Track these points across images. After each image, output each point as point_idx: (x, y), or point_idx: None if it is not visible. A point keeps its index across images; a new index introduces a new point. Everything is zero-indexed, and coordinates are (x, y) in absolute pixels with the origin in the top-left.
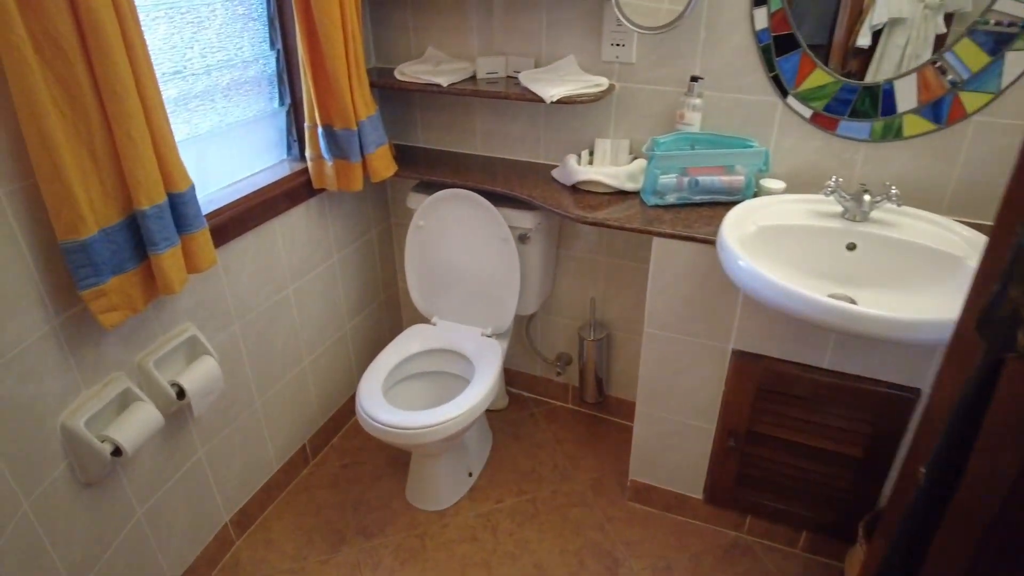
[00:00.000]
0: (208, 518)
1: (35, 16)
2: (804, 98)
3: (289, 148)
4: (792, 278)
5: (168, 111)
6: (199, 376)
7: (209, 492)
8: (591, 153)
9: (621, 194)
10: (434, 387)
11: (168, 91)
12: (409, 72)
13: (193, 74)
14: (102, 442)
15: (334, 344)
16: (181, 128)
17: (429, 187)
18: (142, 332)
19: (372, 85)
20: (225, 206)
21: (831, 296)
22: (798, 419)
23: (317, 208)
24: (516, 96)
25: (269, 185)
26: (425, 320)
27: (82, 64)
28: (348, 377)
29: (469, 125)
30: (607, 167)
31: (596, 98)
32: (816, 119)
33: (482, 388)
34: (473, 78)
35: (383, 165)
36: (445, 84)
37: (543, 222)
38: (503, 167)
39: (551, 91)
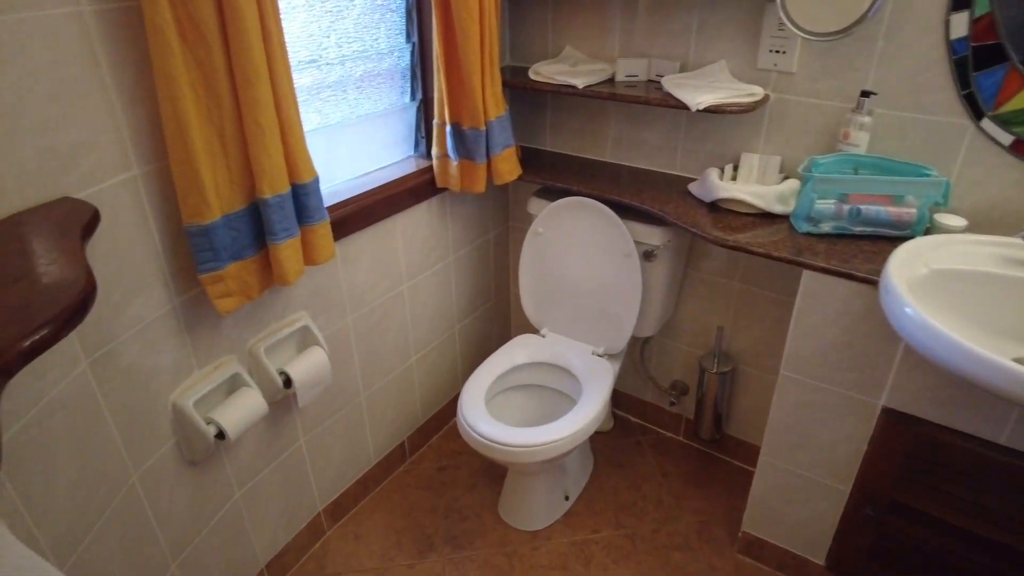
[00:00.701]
0: (303, 505)
1: (181, 1)
2: (1005, 122)
3: (416, 145)
4: (971, 335)
5: (300, 100)
6: (308, 367)
7: (306, 480)
8: (735, 168)
9: (767, 216)
10: (537, 402)
11: (302, 80)
12: (544, 72)
13: (328, 63)
14: (207, 424)
15: (442, 344)
16: (312, 117)
17: (552, 193)
18: (256, 318)
19: (504, 84)
20: (349, 199)
21: (1019, 361)
22: (956, 497)
23: (438, 207)
24: (657, 101)
25: (394, 181)
26: (534, 331)
27: (220, 50)
28: (453, 378)
29: (601, 130)
30: (753, 185)
31: (748, 108)
32: (1018, 148)
33: (589, 412)
34: (611, 81)
35: (508, 168)
36: (581, 86)
37: (672, 240)
38: (634, 177)
39: (698, 98)
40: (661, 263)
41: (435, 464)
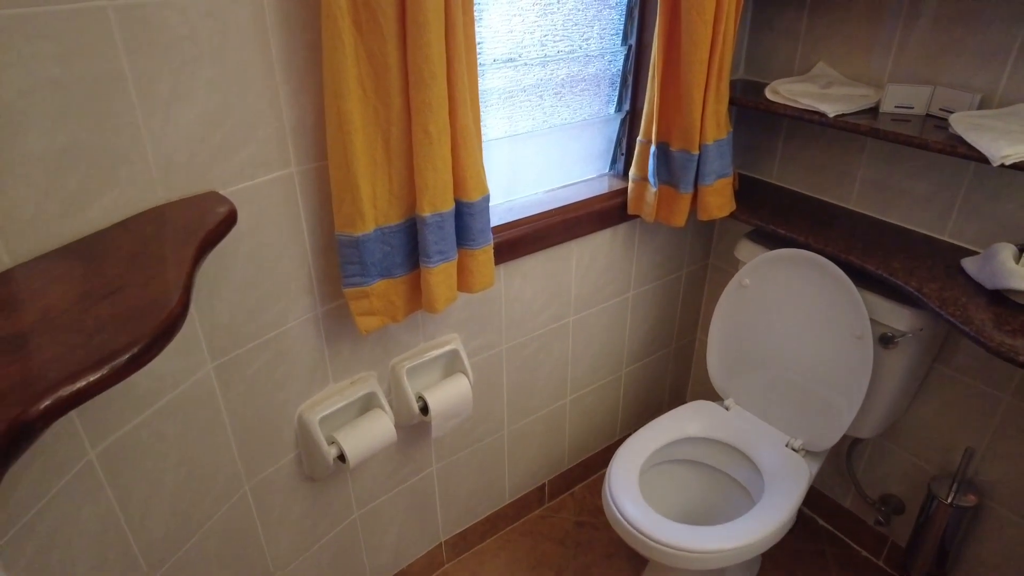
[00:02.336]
0: (425, 533)
1: None
2: None
3: (614, 161)
4: None
5: (488, 105)
6: (449, 397)
7: (432, 508)
8: None
9: None
10: (705, 485)
11: (494, 81)
12: (785, 92)
13: (527, 64)
14: (330, 444)
15: (604, 386)
16: (498, 124)
17: (769, 239)
18: (403, 335)
19: (732, 102)
20: (524, 219)
21: None
22: None
23: (626, 235)
24: (939, 146)
25: (579, 203)
26: (716, 398)
27: (396, 42)
28: (611, 425)
29: (847, 169)
30: None
31: None
32: None
33: (770, 522)
34: (873, 111)
35: (718, 202)
36: (832, 114)
37: (926, 327)
38: (883, 235)
39: (1005, 149)
40: (902, 353)
41: (574, 517)
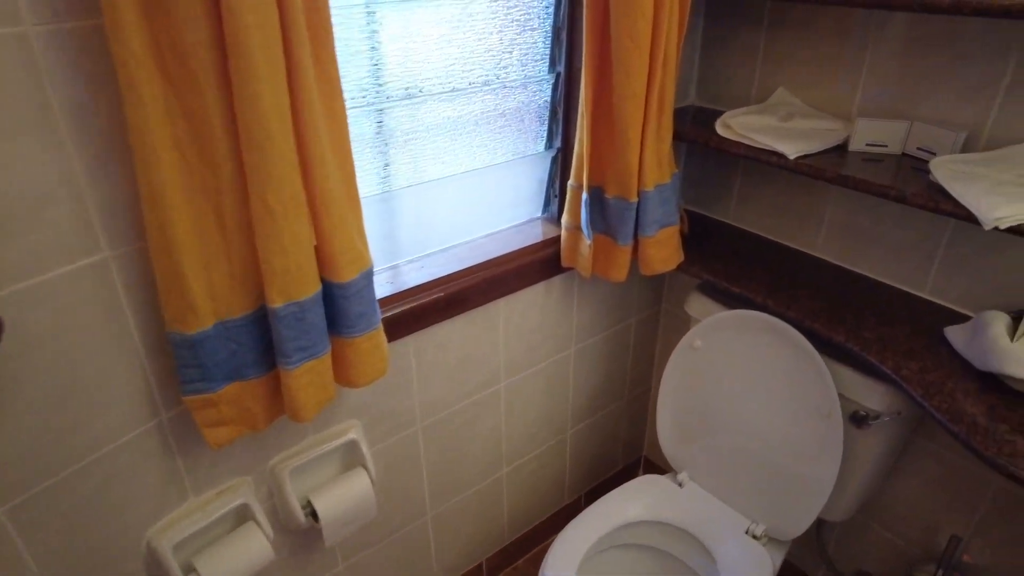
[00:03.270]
0: None
1: (162, 20)
2: None
3: (546, 204)
4: None
5: (384, 148)
6: (343, 499)
7: None
8: None
9: None
10: (654, 572)
11: (389, 120)
12: (739, 125)
13: (430, 99)
14: (188, 574)
15: (547, 451)
16: (401, 171)
17: (724, 291)
18: (286, 428)
19: (678, 136)
20: (437, 280)
21: None
22: None
23: (563, 287)
24: (918, 200)
25: (506, 256)
26: (668, 469)
27: (216, 94)
28: (556, 490)
29: (813, 210)
30: None
31: None
32: None
33: None
34: (842, 149)
35: (662, 256)
36: (792, 155)
37: (904, 410)
38: (854, 290)
39: (1000, 209)
40: (878, 433)
41: None
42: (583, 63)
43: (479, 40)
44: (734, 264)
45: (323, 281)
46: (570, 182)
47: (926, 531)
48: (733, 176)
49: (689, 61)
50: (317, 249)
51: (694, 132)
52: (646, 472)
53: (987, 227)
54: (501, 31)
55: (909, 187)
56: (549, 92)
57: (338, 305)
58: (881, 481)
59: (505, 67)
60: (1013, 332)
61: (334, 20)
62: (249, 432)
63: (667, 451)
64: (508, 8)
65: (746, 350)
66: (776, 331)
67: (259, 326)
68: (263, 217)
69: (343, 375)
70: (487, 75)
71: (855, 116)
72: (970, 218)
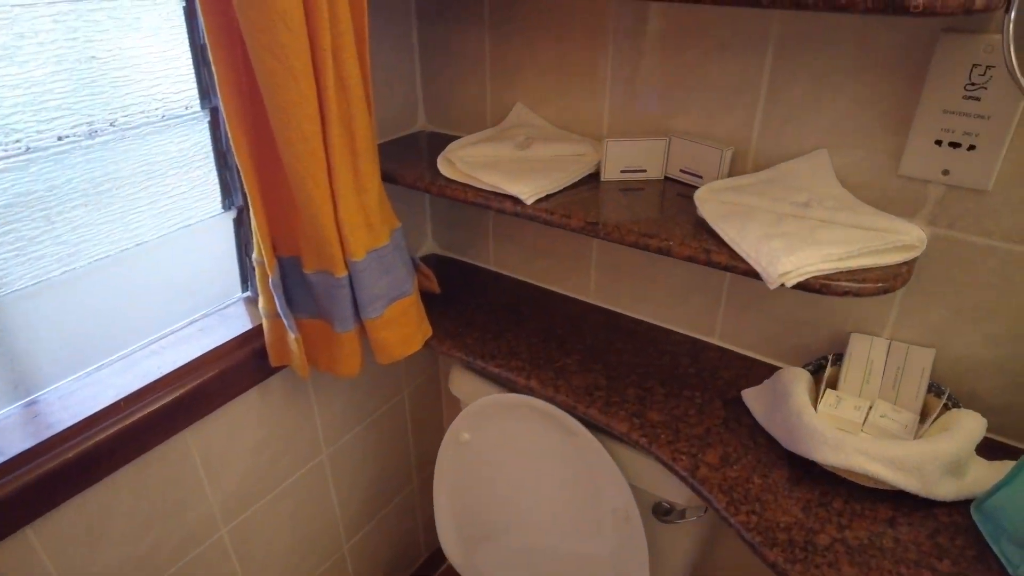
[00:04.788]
0: None
1: None
2: None
3: (245, 281)
4: None
5: None
6: None
7: None
8: (836, 361)
9: (911, 498)
10: None
11: None
12: (464, 161)
13: (37, 154)
14: None
15: None
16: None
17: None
18: None
19: (390, 180)
20: (73, 429)
21: None
22: None
23: (288, 386)
24: (688, 254)
25: (187, 366)
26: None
27: None
28: None
29: (578, 251)
30: (892, 444)
31: (888, 286)
32: None
33: None
34: (595, 178)
35: (399, 336)
36: (530, 199)
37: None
38: (637, 343)
39: (782, 260)
40: (686, 528)
41: None
42: (219, 94)
43: (73, 71)
44: (494, 328)
45: None
46: (253, 256)
47: None
48: (486, 214)
49: (408, 77)
50: None
51: (412, 175)
52: None
53: (772, 286)
54: (109, 58)
55: (675, 230)
56: (208, 133)
57: None
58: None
59: (124, 105)
60: (816, 395)
61: None
62: None
63: (455, 561)
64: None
65: (524, 440)
66: (552, 418)
67: None
68: None
69: None
70: (92, 116)
71: (606, 135)
72: (751, 272)
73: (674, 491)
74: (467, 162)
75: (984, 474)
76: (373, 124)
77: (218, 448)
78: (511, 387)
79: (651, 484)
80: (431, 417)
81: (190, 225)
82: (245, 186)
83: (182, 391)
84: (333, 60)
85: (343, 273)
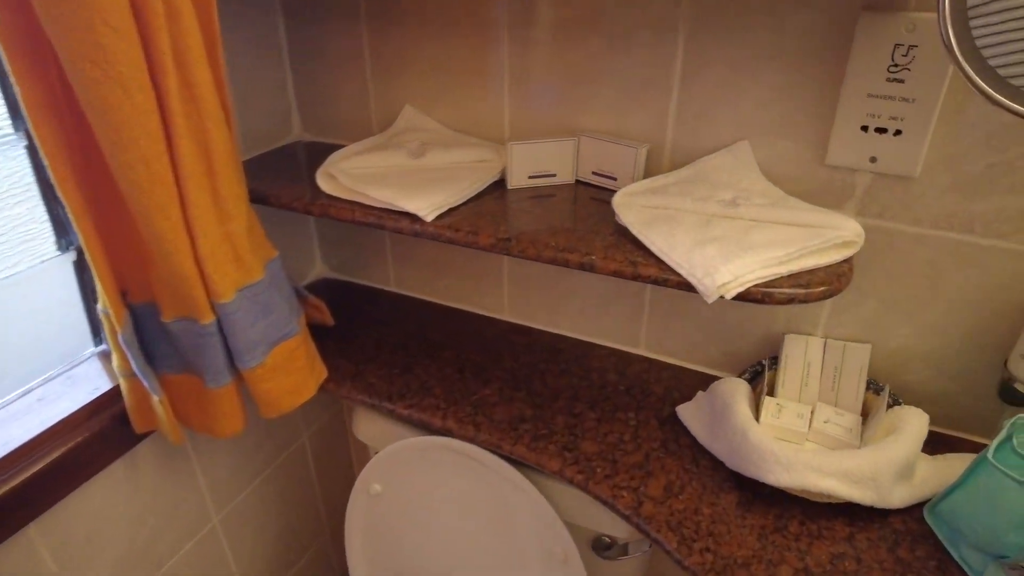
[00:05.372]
0: None
1: None
2: None
3: (96, 332)
4: None
5: None
6: None
7: None
8: (772, 366)
9: (863, 508)
10: None
11: None
12: (348, 175)
13: None
14: None
15: None
16: None
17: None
18: None
19: (262, 202)
20: None
21: None
22: None
23: (157, 455)
24: (613, 268)
25: (17, 451)
26: None
27: None
28: None
29: (488, 266)
30: (827, 419)
31: (833, 289)
32: None
33: None
34: (501, 186)
35: (286, 386)
36: (429, 216)
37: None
38: (561, 363)
39: (719, 270)
40: (631, 564)
41: None
42: (26, 115)
43: None
44: (401, 361)
45: None
46: (98, 307)
47: None
48: (380, 232)
49: (277, 80)
50: None
51: (289, 194)
52: None
53: (710, 300)
54: None
55: (595, 242)
56: (27, 160)
57: None
58: None
59: None
60: (756, 404)
61: None
62: None
63: None
64: None
65: (445, 486)
66: (475, 459)
67: None
68: None
69: None
70: None
71: (509, 137)
72: (684, 284)
73: (615, 525)
74: (352, 175)
75: (930, 472)
76: (235, 137)
77: (78, 539)
78: (426, 428)
79: (589, 520)
80: (338, 460)
81: (17, 273)
82: (75, 225)
83: (16, 482)
84: (175, 64)
85: (210, 319)
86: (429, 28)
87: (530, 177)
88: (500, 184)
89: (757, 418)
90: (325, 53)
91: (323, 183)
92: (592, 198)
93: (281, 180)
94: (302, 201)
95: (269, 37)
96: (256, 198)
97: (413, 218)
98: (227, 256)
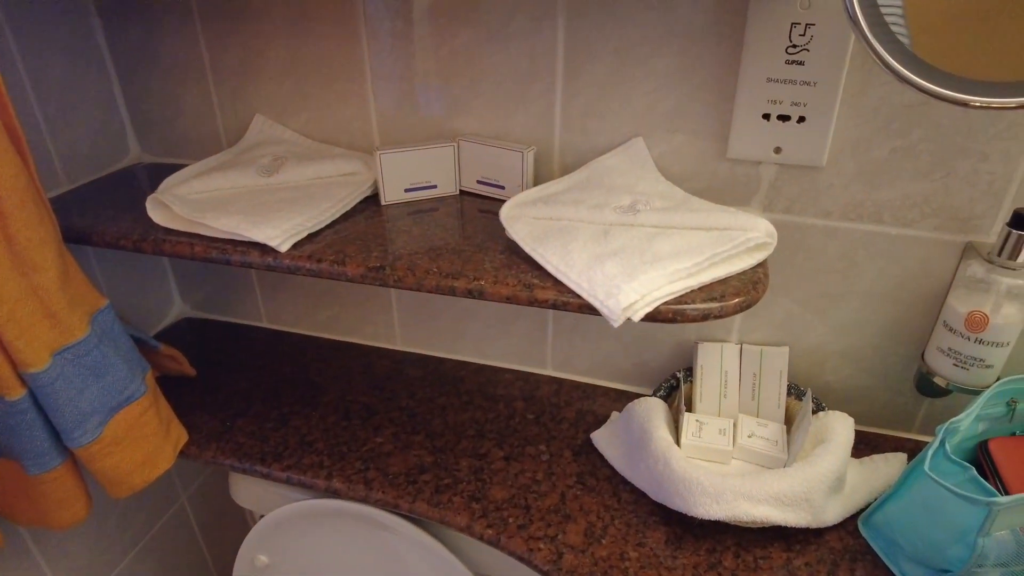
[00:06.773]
0: None
1: None
2: None
3: None
4: None
5: None
6: None
7: None
8: (685, 378)
9: (797, 530)
10: None
11: None
12: (184, 201)
13: None
14: None
15: None
16: None
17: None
18: None
19: (79, 241)
20: None
21: None
22: None
23: None
24: (502, 294)
25: None
26: None
27: None
28: None
29: (374, 291)
30: (751, 433)
31: (749, 298)
32: None
33: None
34: (374, 200)
35: (139, 456)
36: (284, 245)
37: None
38: (462, 394)
39: (624, 291)
40: None
41: None
42: None
43: None
44: (276, 412)
45: None
46: None
47: None
48: None
49: (103, 94)
50: None
51: (114, 231)
52: None
53: (616, 324)
54: None
55: (484, 263)
56: None
57: None
58: None
59: None
60: (675, 423)
61: None
62: None
63: None
64: None
65: (342, 552)
66: (371, 520)
67: None
68: None
69: None
70: None
71: (378, 145)
72: (586, 307)
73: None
74: (189, 202)
75: (859, 480)
76: (32, 169)
77: None
78: (309, 490)
79: (506, 571)
80: (228, 519)
81: None
82: None
83: None
84: None
85: (19, 393)
86: (276, 25)
87: (407, 190)
88: (373, 200)
89: (677, 439)
90: (158, 60)
91: (154, 214)
92: (480, 210)
93: (110, 212)
94: (130, 238)
95: (84, 43)
96: (74, 237)
97: (264, 249)
98: (35, 315)
